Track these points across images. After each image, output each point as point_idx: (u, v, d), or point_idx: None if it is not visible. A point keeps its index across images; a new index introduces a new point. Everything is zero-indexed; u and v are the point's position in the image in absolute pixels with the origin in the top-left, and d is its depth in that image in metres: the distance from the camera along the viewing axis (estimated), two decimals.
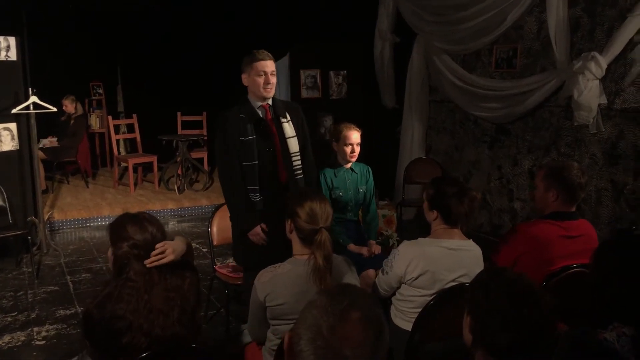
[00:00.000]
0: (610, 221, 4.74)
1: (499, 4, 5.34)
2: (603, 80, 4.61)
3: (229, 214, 3.41)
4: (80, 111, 8.23)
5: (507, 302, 1.47)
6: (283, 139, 3.26)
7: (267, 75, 3.15)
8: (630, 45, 4.41)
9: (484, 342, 1.51)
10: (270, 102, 3.28)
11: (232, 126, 3.18)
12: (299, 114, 3.40)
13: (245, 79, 3.23)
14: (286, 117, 3.28)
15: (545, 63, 5.26)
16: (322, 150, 5.85)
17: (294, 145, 3.28)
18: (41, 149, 7.23)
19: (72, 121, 8.07)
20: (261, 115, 3.25)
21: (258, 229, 3.22)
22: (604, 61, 4.49)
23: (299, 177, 3.30)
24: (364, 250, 3.64)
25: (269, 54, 3.22)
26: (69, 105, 8.02)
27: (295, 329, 1.20)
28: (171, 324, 2.09)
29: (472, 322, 1.54)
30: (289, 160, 3.27)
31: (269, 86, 3.17)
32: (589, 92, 4.59)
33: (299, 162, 3.31)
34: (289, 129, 3.28)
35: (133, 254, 2.11)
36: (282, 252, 2.52)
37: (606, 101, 4.64)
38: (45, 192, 7.31)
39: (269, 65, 3.17)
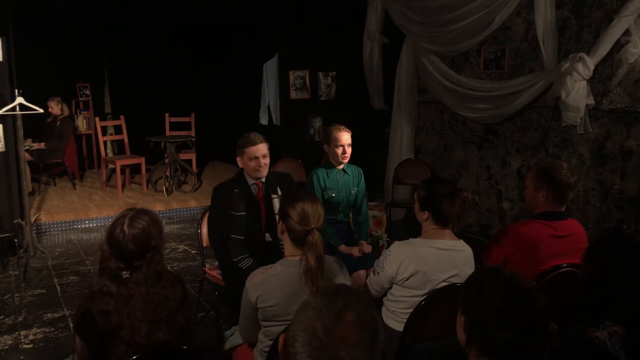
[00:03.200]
0: (598, 221, 4.78)
1: (487, 5, 5.37)
2: (590, 81, 4.65)
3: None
4: (66, 112, 8.13)
5: (501, 301, 1.47)
6: (272, 215, 3.42)
7: (258, 159, 3.36)
8: (617, 46, 4.45)
9: (478, 342, 1.51)
10: (263, 179, 3.46)
11: (225, 199, 3.39)
12: (291, 185, 3.59)
13: (239, 161, 3.44)
14: (276, 194, 3.45)
15: (533, 64, 5.30)
16: (312, 152, 5.87)
17: None
18: (27, 150, 7.15)
19: (58, 123, 7.98)
20: (254, 193, 3.44)
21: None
22: (591, 62, 4.53)
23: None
24: (355, 251, 3.64)
25: (262, 137, 3.42)
26: (55, 107, 7.94)
27: (290, 331, 1.19)
28: (157, 332, 2.06)
29: (466, 322, 1.54)
30: (274, 234, 3.40)
31: (261, 168, 3.38)
32: (577, 93, 4.63)
33: None
34: (277, 205, 3.41)
35: (107, 257, 2.07)
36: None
37: (594, 102, 4.67)
38: (31, 194, 7.24)
39: (261, 149, 3.37)
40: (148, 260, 2.08)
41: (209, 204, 3.80)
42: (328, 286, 1.32)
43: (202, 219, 3.90)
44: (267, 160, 3.40)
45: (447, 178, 6.14)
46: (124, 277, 2.06)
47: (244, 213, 3.36)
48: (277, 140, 7.62)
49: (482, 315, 1.50)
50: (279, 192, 3.45)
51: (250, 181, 3.45)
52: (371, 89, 7.10)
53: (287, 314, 2.29)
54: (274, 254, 3.40)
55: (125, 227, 2.06)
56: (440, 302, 2.44)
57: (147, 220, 2.11)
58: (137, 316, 2.02)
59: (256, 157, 3.35)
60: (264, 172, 3.41)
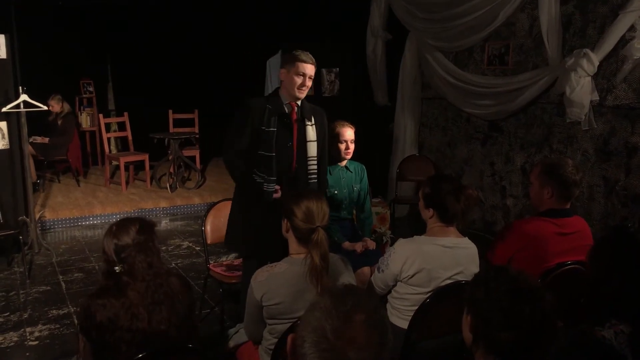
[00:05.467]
0: (602, 217, 4.77)
1: (491, 1, 5.35)
2: (595, 77, 4.64)
3: (224, 206, 3.51)
4: (67, 109, 8.13)
5: (507, 300, 1.47)
6: (303, 140, 3.28)
7: (305, 78, 3.18)
8: (622, 42, 4.43)
9: (485, 341, 1.50)
10: (299, 102, 3.29)
11: (256, 111, 3.20)
12: (323, 121, 3.43)
13: (283, 74, 3.24)
14: (311, 121, 3.30)
15: (537, 60, 5.28)
16: None
17: (312, 149, 3.30)
18: (31, 143, 7.15)
19: (60, 120, 8.00)
20: (287, 112, 3.25)
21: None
22: (596, 58, 4.51)
23: (312, 181, 3.31)
24: (357, 246, 3.64)
25: (313, 58, 3.25)
26: (55, 105, 7.94)
27: (298, 332, 1.19)
28: (158, 314, 2.10)
29: (472, 321, 1.54)
30: (304, 162, 3.30)
31: (304, 88, 3.20)
32: (581, 89, 4.61)
33: (315, 167, 3.33)
34: (311, 132, 3.30)
35: (104, 261, 2.15)
36: (282, 241, 2.53)
37: (598, 98, 4.66)
38: (36, 185, 7.26)
39: (310, 69, 3.20)
40: (136, 247, 2.13)
41: (213, 200, 3.74)
42: (337, 287, 1.32)
43: (206, 215, 3.90)
44: (310, 84, 3.21)
45: (452, 175, 6.13)
46: (117, 272, 2.11)
47: (275, 129, 3.18)
48: None
49: (488, 314, 1.49)
50: (313, 121, 3.31)
51: (285, 101, 3.25)
52: (375, 85, 7.09)
53: (292, 312, 2.29)
54: (297, 184, 3.25)
55: (114, 226, 2.17)
56: (445, 299, 2.43)
57: (136, 223, 2.20)
58: (134, 302, 2.07)
59: (304, 75, 3.17)
60: (304, 94, 3.22)
